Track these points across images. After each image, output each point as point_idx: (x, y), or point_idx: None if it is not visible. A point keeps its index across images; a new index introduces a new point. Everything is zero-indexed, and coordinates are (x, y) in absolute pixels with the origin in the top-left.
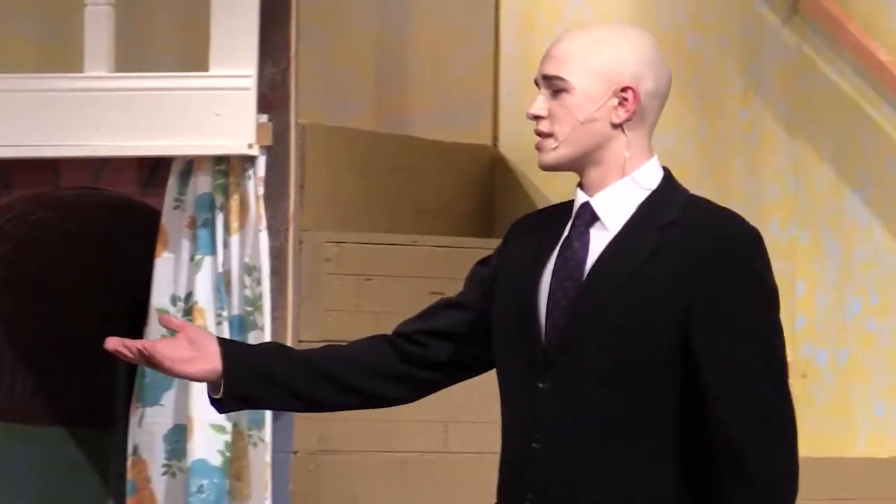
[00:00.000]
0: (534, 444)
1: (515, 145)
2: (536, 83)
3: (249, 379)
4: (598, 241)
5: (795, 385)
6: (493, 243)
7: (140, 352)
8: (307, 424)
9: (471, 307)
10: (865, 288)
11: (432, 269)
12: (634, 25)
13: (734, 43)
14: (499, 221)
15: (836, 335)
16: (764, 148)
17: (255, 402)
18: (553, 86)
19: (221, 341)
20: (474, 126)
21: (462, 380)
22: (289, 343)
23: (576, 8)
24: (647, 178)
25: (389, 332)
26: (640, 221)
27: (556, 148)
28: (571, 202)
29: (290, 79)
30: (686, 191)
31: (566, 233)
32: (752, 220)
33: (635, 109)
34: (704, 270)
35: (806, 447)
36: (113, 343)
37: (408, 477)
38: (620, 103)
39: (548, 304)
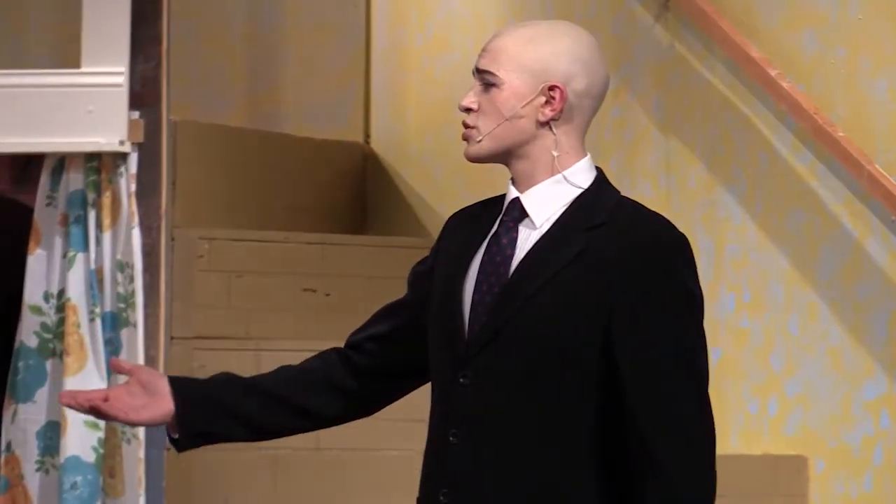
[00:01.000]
0: (451, 438)
1: (387, 142)
2: (474, 75)
3: (203, 416)
4: (526, 237)
5: None
6: (366, 239)
7: (92, 406)
8: None
9: (412, 308)
10: (738, 285)
11: (304, 266)
12: (575, 24)
13: (605, 40)
14: (371, 217)
15: (709, 332)
16: (636, 146)
17: (213, 438)
18: (484, 80)
19: (171, 381)
20: (346, 122)
21: (419, 385)
22: (161, 340)
23: (447, 4)
24: (578, 178)
25: (260, 327)
26: (569, 221)
27: (479, 141)
28: (504, 196)
29: (162, 75)
30: (617, 192)
31: (494, 228)
32: None
33: (562, 108)
34: (628, 274)
35: None
36: (66, 399)
37: (280, 474)
38: (547, 102)
39: (473, 298)
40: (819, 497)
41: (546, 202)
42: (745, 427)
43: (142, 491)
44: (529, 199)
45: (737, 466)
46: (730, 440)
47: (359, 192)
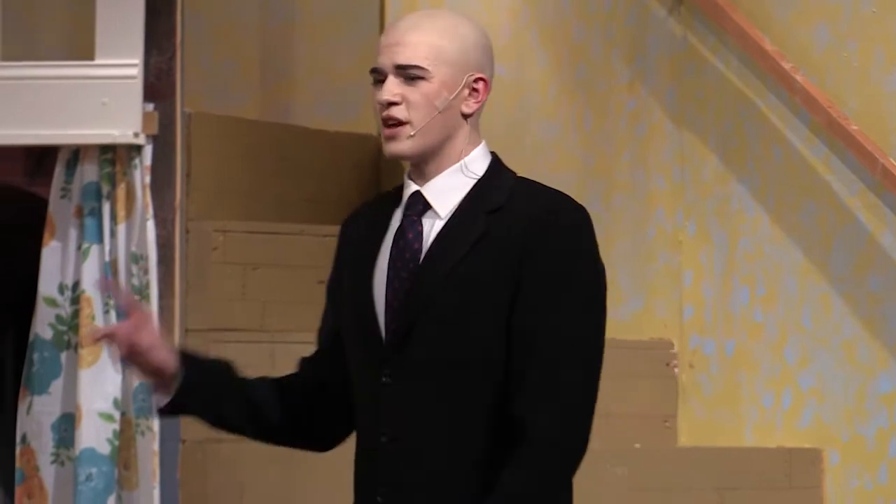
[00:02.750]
0: (382, 439)
1: None
2: (377, 71)
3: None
4: (431, 229)
5: (683, 375)
6: None
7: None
8: None
9: (334, 321)
10: (752, 278)
11: (318, 258)
12: (468, 17)
13: (620, 33)
14: None
15: (723, 325)
16: (650, 138)
17: (189, 413)
18: (408, 74)
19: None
20: (360, 114)
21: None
22: (176, 332)
23: None
24: (476, 165)
25: (275, 319)
26: (469, 207)
27: (412, 136)
28: (397, 190)
29: (176, 67)
30: (513, 174)
31: (398, 223)
32: (639, 210)
33: (485, 99)
34: (529, 248)
35: (693, 437)
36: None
37: (295, 466)
38: (471, 93)
39: (387, 295)
40: (833, 490)
41: (448, 192)
42: (759, 420)
43: (156, 483)
44: (431, 192)
45: (751, 459)
46: (744, 433)
47: (373, 183)
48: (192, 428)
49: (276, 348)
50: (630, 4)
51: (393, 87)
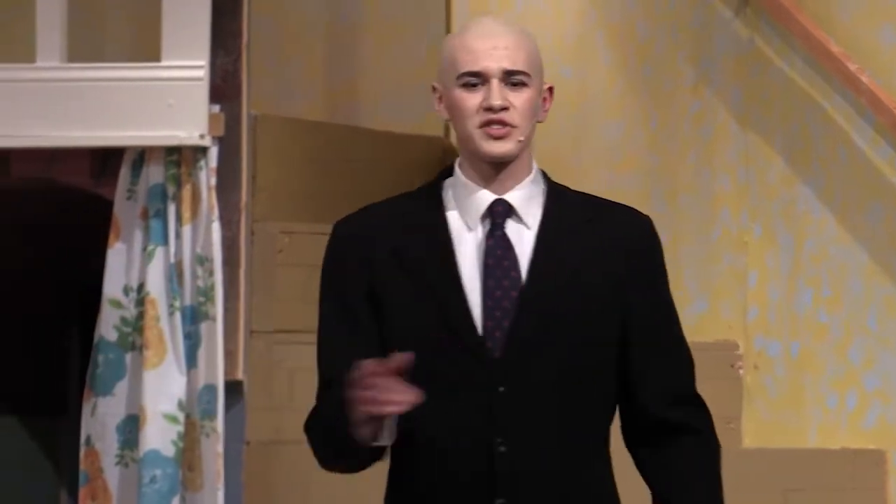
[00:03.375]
0: (500, 448)
1: None
2: (479, 75)
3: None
4: (520, 238)
5: (747, 376)
6: None
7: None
8: (260, 415)
9: (373, 332)
10: (817, 280)
11: None
12: None
13: (685, 34)
14: None
15: (787, 327)
16: (715, 139)
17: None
18: (515, 80)
19: None
20: (425, 116)
21: None
22: (240, 333)
23: None
24: (540, 173)
25: None
26: (559, 217)
27: (521, 141)
28: (420, 192)
29: (242, 69)
30: (564, 185)
31: (481, 230)
32: (704, 211)
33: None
34: (632, 262)
35: (758, 438)
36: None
37: None
38: (545, 100)
39: (486, 303)
40: None
41: (530, 201)
42: (823, 421)
43: (220, 485)
44: (517, 200)
45: (815, 460)
46: (808, 434)
47: None
48: (257, 429)
49: None
50: (696, 5)
51: (503, 93)
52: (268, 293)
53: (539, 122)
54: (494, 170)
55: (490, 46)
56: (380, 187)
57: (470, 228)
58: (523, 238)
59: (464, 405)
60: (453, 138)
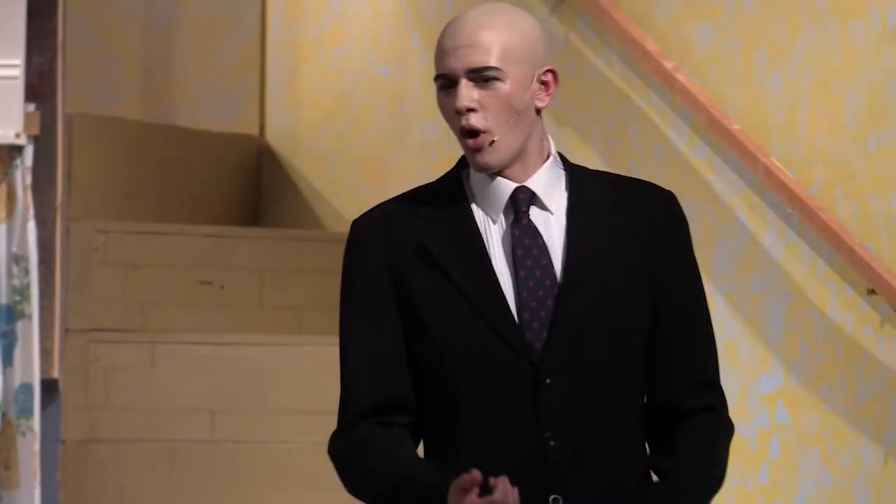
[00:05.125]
0: (551, 442)
1: (282, 134)
2: (445, 76)
3: None
4: (546, 225)
5: None
6: (261, 232)
7: None
8: (76, 414)
9: (398, 328)
10: None
11: (200, 258)
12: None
13: None
14: (265, 210)
15: None
16: None
17: None
18: (483, 76)
19: None
20: (241, 115)
21: None
22: (56, 332)
23: None
24: (558, 158)
25: (156, 320)
26: (581, 203)
27: (494, 143)
28: (436, 185)
29: (58, 68)
30: (581, 165)
31: (509, 220)
32: None
33: (554, 91)
34: (662, 244)
35: None
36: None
37: (176, 466)
38: (542, 87)
39: (520, 294)
40: None
41: (552, 187)
42: None
43: (37, 483)
44: (538, 187)
45: None
46: None
47: (253, 184)
48: (73, 429)
49: (156, 348)
50: (511, 3)
51: (468, 93)
52: (83, 292)
53: (538, 108)
54: (506, 168)
55: (455, 45)
56: (195, 186)
57: (494, 220)
58: (550, 225)
59: (508, 401)
60: (269, 137)
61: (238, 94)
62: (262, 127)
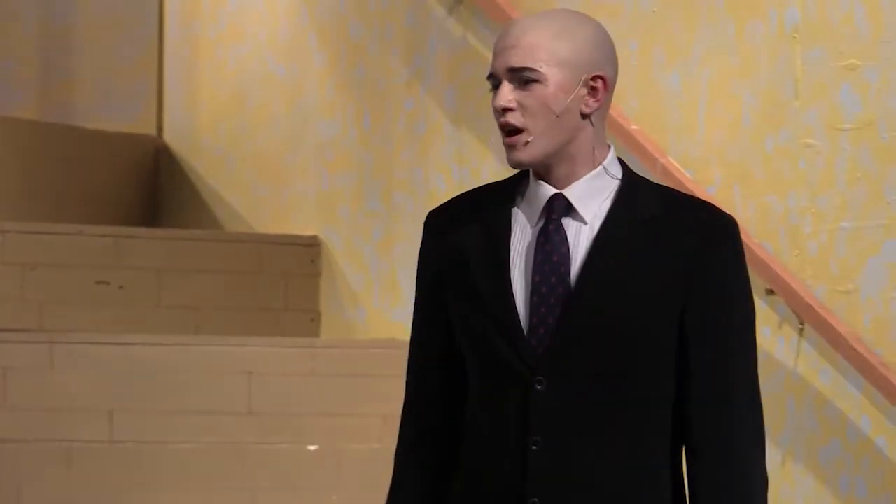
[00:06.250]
0: (533, 447)
1: (180, 134)
2: (493, 76)
3: None
4: (577, 234)
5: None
6: (158, 232)
7: None
8: None
9: (444, 322)
10: None
11: (97, 258)
12: (586, 14)
13: (398, 33)
14: (163, 210)
15: None
16: (429, 138)
17: None
18: (522, 77)
19: None
20: (139, 115)
21: None
22: None
23: None
24: (614, 169)
25: (53, 320)
26: (621, 215)
27: (529, 143)
28: (496, 187)
29: None
30: (647, 179)
31: (538, 224)
32: (419, 210)
33: (605, 98)
34: (696, 266)
35: None
36: None
37: (74, 466)
38: (590, 92)
39: (532, 298)
40: None
41: (591, 196)
42: None
43: None
44: (574, 195)
45: None
46: None
47: (151, 184)
48: None
49: (54, 348)
50: (409, 4)
51: (507, 93)
52: None
53: (585, 114)
54: (545, 169)
55: (505, 46)
56: (93, 186)
57: (532, 224)
58: (580, 234)
59: (505, 400)
60: (167, 137)
61: (136, 93)
62: (159, 127)
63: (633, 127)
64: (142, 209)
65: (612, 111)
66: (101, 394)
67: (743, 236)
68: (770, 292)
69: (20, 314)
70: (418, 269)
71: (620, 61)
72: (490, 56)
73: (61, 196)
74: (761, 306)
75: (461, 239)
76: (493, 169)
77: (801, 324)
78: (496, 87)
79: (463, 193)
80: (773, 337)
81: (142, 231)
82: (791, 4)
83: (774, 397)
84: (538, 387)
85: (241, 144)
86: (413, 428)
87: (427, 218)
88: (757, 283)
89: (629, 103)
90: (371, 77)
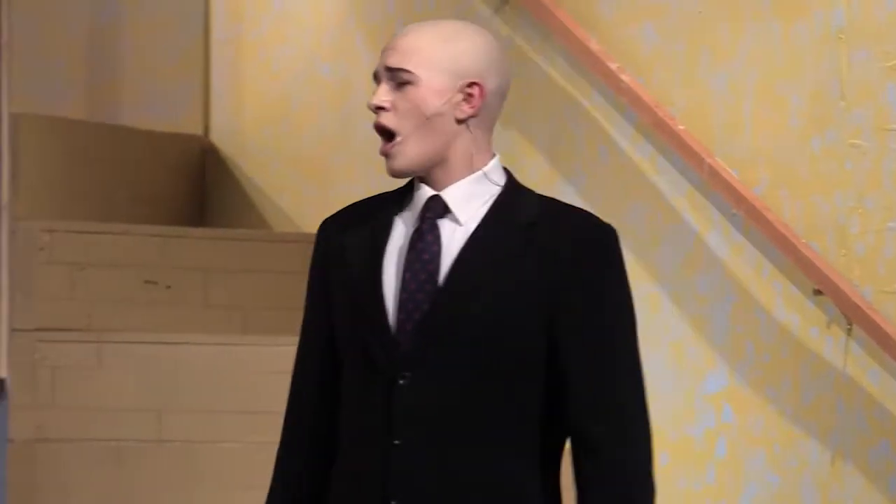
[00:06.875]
0: (395, 442)
1: (226, 134)
2: (376, 76)
3: None
4: (451, 234)
5: None
6: (205, 232)
7: None
8: (23, 414)
9: (327, 327)
10: None
11: (145, 258)
12: (476, 25)
13: None
14: (210, 210)
15: None
16: None
17: None
18: (397, 78)
19: None
20: (185, 115)
21: None
22: (2, 331)
23: None
24: (495, 175)
25: (102, 319)
26: (498, 219)
27: (400, 145)
28: (390, 194)
29: (2, 68)
30: (532, 190)
31: (406, 226)
32: None
33: (480, 105)
34: (570, 267)
35: None
36: None
37: (123, 465)
38: (465, 99)
39: (400, 296)
40: (663, 490)
41: (469, 199)
42: None
43: None
44: (451, 196)
45: None
46: None
47: (198, 184)
48: (20, 428)
49: (102, 348)
50: (455, 3)
51: (382, 93)
52: (29, 291)
53: (460, 119)
54: (425, 171)
55: (385, 47)
56: (140, 186)
57: (412, 225)
58: (455, 235)
59: (373, 397)
60: (213, 137)
61: (182, 93)
62: (206, 127)
63: (680, 127)
64: (189, 209)
65: (658, 111)
66: (149, 393)
67: (790, 236)
68: (818, 292)
69: (68, 314)
70: (309, 274)
71: (667, 62)
72: (535, 56)
73: (109, 196)
74: (809, 306)
75: (345, 242)
76: (539, 169)
77: (850, 324)
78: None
79: (359, 201)
80: (821, 337)
81: (189, 231)
82: (837, 5)
83: (823, 398)
84: (401, 382)
85: (287, 144)
86: (295, 429)
87: (321, 223)
88: (804, 284)
89: (676, 104)
90: None
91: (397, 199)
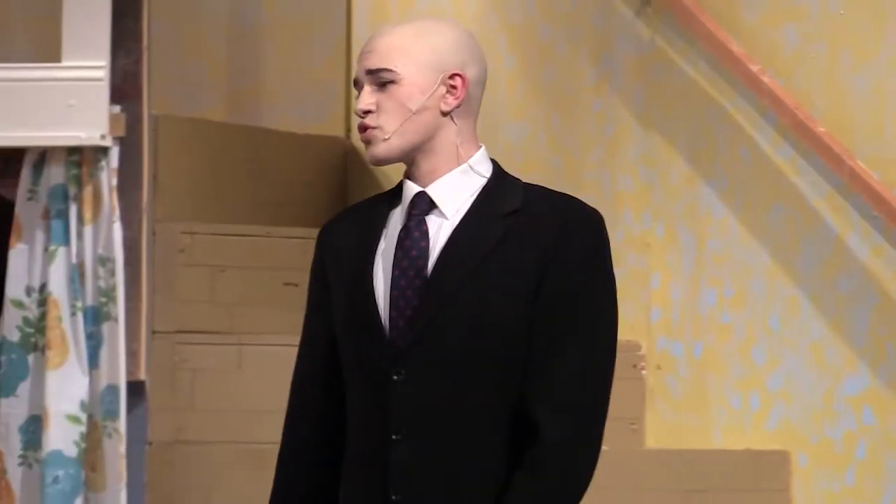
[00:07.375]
0: (393, 437)
1: None
2: (356, 82)
3: None
4: (438, 229)
5: (651, 377)
6: None
7: None
8: (163, 416)
9: (328, 331)
10: (720, 280)
11: (286, 260)
12: (449, 18)
13: (587, 35)
14: None
15: (690, 327)
16: (617, 140)
17: None
18: (380, 79)
19: None
20: (327, 117)
21: None
22: (142, 334)
23: None
24: (481, 167)
25: (242, 321)
26: (482, 209)
27: (387, 139)
28: (389, 193)
29: (143, 69)
30: (519, 179)
31: (398, 222)
32: (606, 211)
33: (464, 96)
34: (552, 257)
35: (661, 439)
36: None
37: (261, 467)
38: (449, 91)
39: (391, 293)
40: (802, 492)
41: (454, 193)
42: (727, 422)
43: (123, 485)
44: (437, 191)
45: (719, 461)
46: (712, 435)
47: (339, 186)
48: (159, 429)
49: (243, 350)
50: (597, 6)
51: (367, 97)
52: (169, 293)
53: (445, 112)
54: (409, 165)
55: (363, 52)
56: (281, 188)
57: (401, 223)
58: (442, 229)
59: (371, 394)
60: (354, 139)
61: (324, 95)
62: (347, 128)
63: (821, 129)
64: (330, 211)
65: (799, 113)
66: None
67: None
68: None
69: (209, 316)
70: (309, 278)
71: (807, 64)
72: (676, 58)
73: (249, 198)
74: None
75: (341, 244)
76: (682, 172)
77: None
78: (360, 92)
79: (357, 203)
80: None
81: None
82: None
83: None
84: (396, 377)
85: None
86: (299, 426)
87: (321, 229)
88: None
89: (817, 106)
90: (559, 79)
91: (391, 198)
